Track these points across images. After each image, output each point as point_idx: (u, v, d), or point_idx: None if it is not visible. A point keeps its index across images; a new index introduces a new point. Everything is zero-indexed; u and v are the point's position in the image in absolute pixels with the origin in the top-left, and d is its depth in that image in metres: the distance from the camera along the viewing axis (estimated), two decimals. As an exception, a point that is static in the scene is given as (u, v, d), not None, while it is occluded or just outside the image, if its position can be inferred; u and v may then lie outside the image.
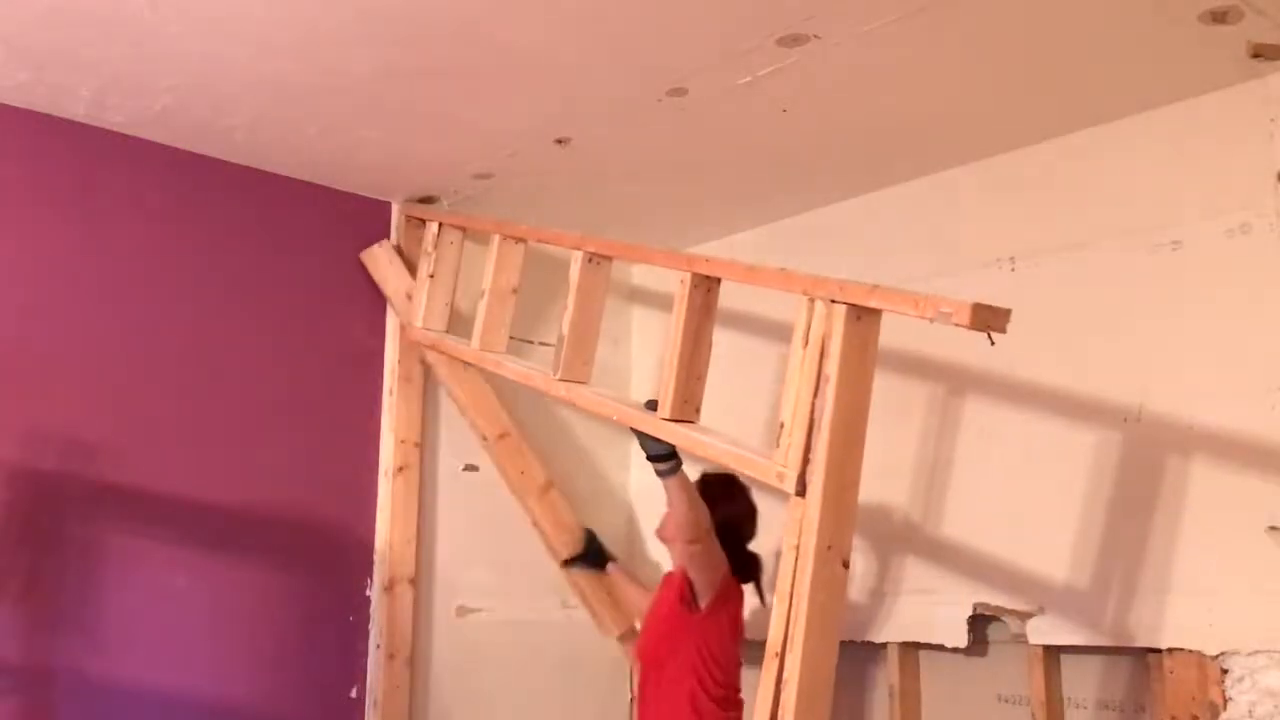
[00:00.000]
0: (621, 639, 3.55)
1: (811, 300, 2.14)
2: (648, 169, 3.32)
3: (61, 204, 2.97)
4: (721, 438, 2.37)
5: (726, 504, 3.01)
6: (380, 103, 2.89)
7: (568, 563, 3.52)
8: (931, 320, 1.94)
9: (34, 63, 2.68)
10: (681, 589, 2.93)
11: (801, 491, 2.08)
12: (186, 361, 3.12)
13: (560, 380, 2.77)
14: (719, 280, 2.46)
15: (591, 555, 3.53)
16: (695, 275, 2.44)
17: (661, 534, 3.19)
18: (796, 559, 2.06)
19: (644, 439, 2.63)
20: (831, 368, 2.06)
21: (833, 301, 2.08)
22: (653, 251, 2.76)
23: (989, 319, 1.91)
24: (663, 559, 3.52)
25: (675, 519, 2.83)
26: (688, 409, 2.45)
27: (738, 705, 2.97)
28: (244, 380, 3.22)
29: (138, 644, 2.92)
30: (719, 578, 2.94)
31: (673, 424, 2.44)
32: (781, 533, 2.14)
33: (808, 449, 2.08)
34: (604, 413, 2.75)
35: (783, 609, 2.06)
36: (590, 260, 2.76)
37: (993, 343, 1.97)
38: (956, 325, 1.91)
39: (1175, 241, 2.79)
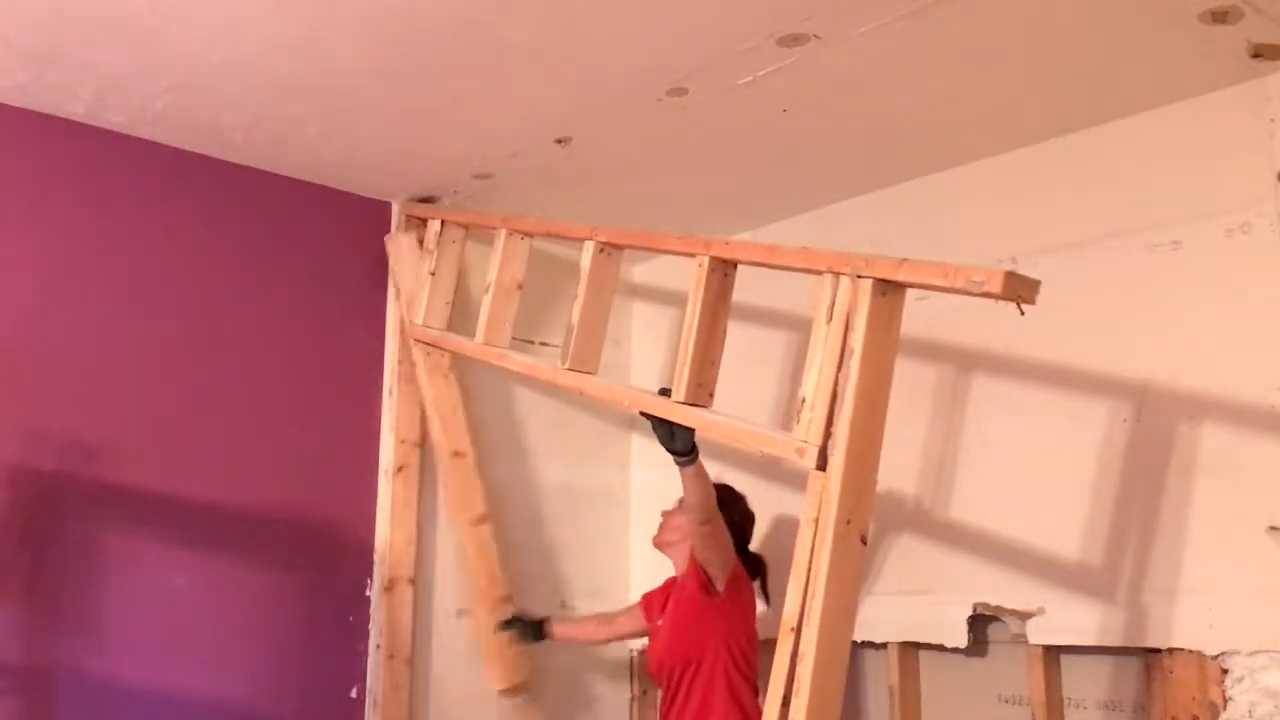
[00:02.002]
0: (504, 693, 3.38)
1: (836, 276, 2.14)
2: (648, 169, 3.32)
3: (61, 204, 2.97)
4: (737, 418, 2.38)
5: (730, 508, 3.03)
6: (380, 103, 2.89)
7: (505, 625, 3.38)
8: (962, 291, 1.93)
9: (34, 63, 2.68)
10: (698, 578, 2.94)
11: (822, 465, 2.08)
12: (186, 361, 3.12)
13: (569, 370, 2.76)
14: (736, 265, 2.46)
15: (529, 629, 3.38)
16: (713, 259, 2.44)
17: (660, 539, 3.20)
18: (815, 533, 2.06)
19: (663, 432, 2.62)
20: (856, 341, 2.07)
21: (859, 276, 2.09)
22: (666, 237, 2.73)
23: (1020, 288, 1.91)
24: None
25: (688, 502, 2.82)
26: (701, 393, 2.45)
27: (756, 688, 2.98)
28: (244, 380, 3.22)
29: (138, 644, 2.92)
30: (731, 558, 2.96)
31: (686, 407, 2.45)
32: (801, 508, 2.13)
33: (829, 423, 2.09)
34: (616, 400, 2.75)
35: (800, 584, 2.06)
36: (602, 250, 2.75)
37: (1022, 313, 1.96)
38: (987, 295, 1.90)
39: (1175, 241, 2.79)
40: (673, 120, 2.95)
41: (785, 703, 2.04)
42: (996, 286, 1.88)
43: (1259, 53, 2.56)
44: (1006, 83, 2.75)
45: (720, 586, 2.94)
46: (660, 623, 3.14)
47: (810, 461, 2.10)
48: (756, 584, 3.11)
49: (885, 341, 2.10)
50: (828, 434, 2.09)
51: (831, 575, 2.03)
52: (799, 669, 2.02)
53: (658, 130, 3.03)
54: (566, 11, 2.43)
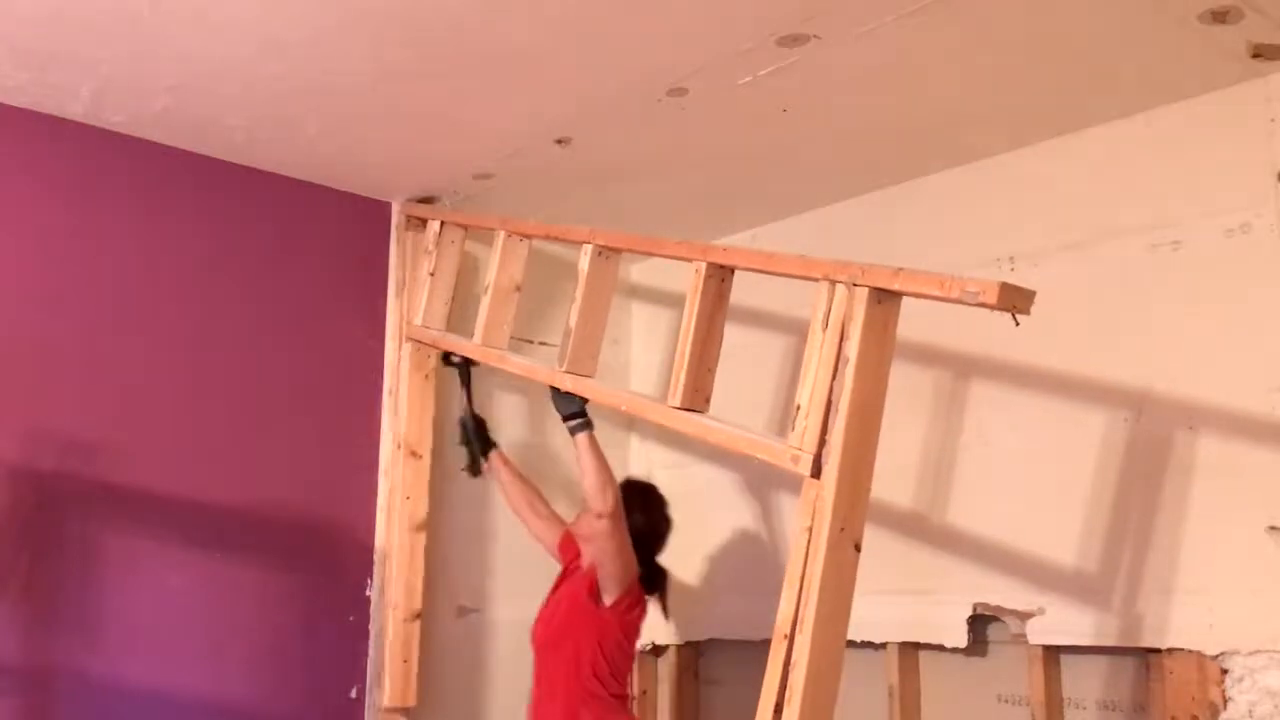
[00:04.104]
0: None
1: (832, 284, 2.15)
2: (648, 169, 3.32)
3: (61, 204, 2.97)
4: (732, 424, 2.38)
5: (645, 511, 3.02)
6: (380, 103, 2.89)
7: (464, 428, 3.32)
8: (958, 301, 1.94)
9: (34, 63, 2.68)
10: (589, 584, 2.91)
11: (816, 473, 2.09)
12: (186, 361, 3.12)
13: (566, 373, 2.77)
14: (733, 271, 2.47)
15: (477, 438, 3.31)
16: (710, 265, 2.45)
17: (575, 528, 3.11)
18: (809, 541, 2.07)
19: (556, 398, 2.75)
20: (851, 350, 2.08)
21: (854, 285, 2.10)
22: (665, 242, 2.74)
23: (1015, 299, 1.92)
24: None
25: (585, 484, 2.81)
26: (698, 398, 2.45)
27: (624, 700, 2.97)
28: (244, 380, 3.22)
29: (137, 644, 2.92)
30: (628, 573, 2.90)
31: (683, 412, 2.45)
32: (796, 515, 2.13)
33: (824, 431, 2.09)
34: (613, 403, 2.77)
35: (793, 591, 2.07)
36: (600, 254, 2.76)
37: (1017, 323, 1.97)
38: (983, 305, 1.91)
39: (1175, 241, 2.79)
40: (673, 120, 2.95)
41: (778, 710, 2.04)
42: (992, 298, 1.90)
43: (1259, 53, 2.56)
44: (1006, 82, 2.75)
45: (609, 600, 2.89)
46: (555, 595, 3.06)
47: (805, 469, 2.11)
48: (654, 601, 3.05)
49: (880, 350, 2.10)
50: (822, 442, 2.10)
51: (825, 583, 2.03)
52: (792, 677, 2.03)
53: (658, 130, 3.03)
54: (566, 12, 2.43)
